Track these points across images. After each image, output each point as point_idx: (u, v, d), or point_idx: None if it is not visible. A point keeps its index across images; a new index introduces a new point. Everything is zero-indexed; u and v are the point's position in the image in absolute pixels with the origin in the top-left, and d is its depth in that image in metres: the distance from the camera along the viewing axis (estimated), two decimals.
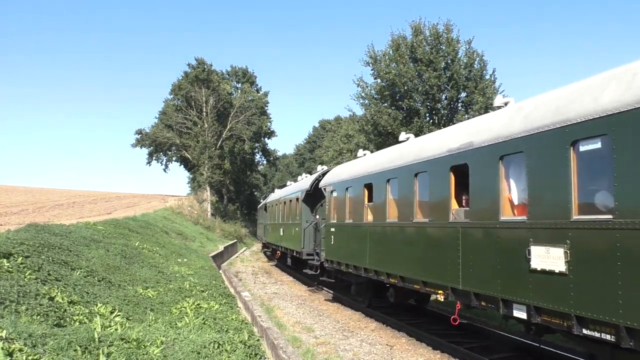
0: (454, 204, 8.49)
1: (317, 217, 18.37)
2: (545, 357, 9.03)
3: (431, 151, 9.25)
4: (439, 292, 8.81)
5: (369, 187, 12.22)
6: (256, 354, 7.14)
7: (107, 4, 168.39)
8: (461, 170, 8.27)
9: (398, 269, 10.32)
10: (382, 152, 13.10)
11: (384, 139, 27.30)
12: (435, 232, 8.94)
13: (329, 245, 14.93)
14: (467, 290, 7.89)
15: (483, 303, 7.67)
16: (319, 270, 16.99)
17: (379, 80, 28.95)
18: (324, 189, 15.91)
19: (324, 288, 17.97)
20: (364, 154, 14.53)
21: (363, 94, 29.80)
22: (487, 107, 25.29)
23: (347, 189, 13.64)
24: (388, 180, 11.00)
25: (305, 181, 21.22)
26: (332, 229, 14.68)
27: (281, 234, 24.17)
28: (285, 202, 23.87)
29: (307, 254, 18.46)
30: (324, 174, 17.70)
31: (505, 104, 8.15)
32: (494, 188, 7.29)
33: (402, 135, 12.20)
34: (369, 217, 12.15)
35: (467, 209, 8.04)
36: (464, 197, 8.43)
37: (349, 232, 13.44)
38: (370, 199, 12.15)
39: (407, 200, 10.00)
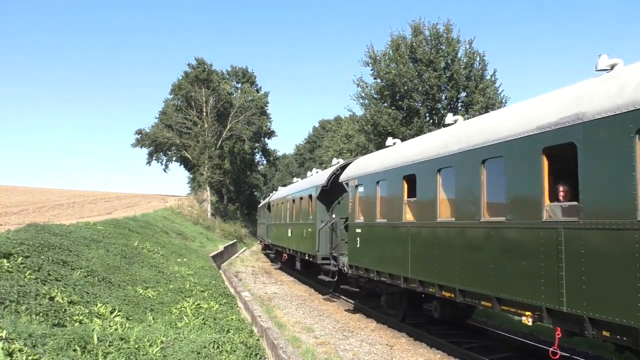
0: (547, 198, 6.60)
1: (334, 216, 16.32)
2: (545, 358, 9.02)
3: (510, 130, 7.27)
4: (526, 313, 6.86)
5: (409, 179, 10.19)
6: (256, 354, 7.15)
7: (107, 4, 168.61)
8: (558, 152, 6.48)
9: (455, 280, 8.34)
10: (426, 136, 11.18)
11: (384, 139, 27.28)
12: (519, 234, 6.97)
13: (354, 249, 12.97)
14: (576, 313, 5.93)
15: (606, 333, 5.68)
16: (336, 277, 15.35)
17: (378, 80, 28.97)
18: (346, 183, 13.91)
19: (342, 296, 16.20)
20: (394, 143, 12.79)
21: (363, 94, 29.83)
22: (488, 107, 25.33)
23: (377, 182, 11.68)
24: (439, 171, 9.05)
25: (319, 176, 18.97)
26: (358, 230, 12.73)
27: (289, 235, 22.23)
28: (294, 200, 21.64)
29: (322, 258, 16.52)
30: (343, 167, 15.81)
31: (612, 66, 6.40)
32: (626, 174, 5.36)
33: (449, 118, 10.39)
34: (410, 216, 10.28)
35: (574, 204, 6.25)
36: (561, 189, 6.77)
37: (381, 234, 11.51)
38: (411, 194, 10.16)
39: (470, 194, 8.05)
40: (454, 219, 8.53)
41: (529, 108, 7.26)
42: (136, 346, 6.14)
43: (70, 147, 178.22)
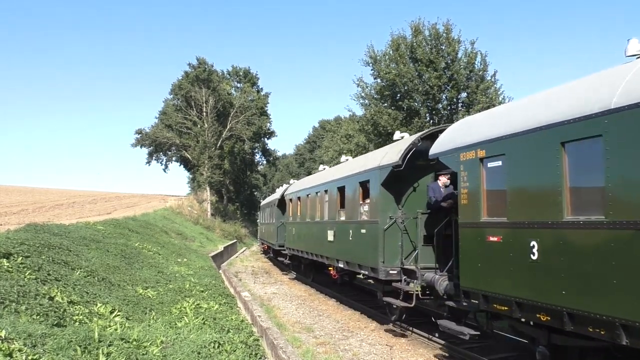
0: None
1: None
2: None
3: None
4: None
5: None
6: (256, 354, 7.15)
7: (108, 4, 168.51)
8: None
9: None
10: None
11: (384, 139, 27.30)
12: None
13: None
14: None
15: None
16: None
17: (378, 80, 28.97)
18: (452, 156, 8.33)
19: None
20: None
21: (363, 94, 29.85)
22: (489, 107, 25.32)
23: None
24: None
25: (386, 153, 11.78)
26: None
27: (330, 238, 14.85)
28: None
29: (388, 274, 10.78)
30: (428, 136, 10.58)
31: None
32: None
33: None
34: None
35: None
36: None
37: None
38: None
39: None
40: None
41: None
42: (136, 346, 6.14)
43: (70, 147, 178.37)
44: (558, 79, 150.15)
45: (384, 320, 12.25)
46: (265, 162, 69.55)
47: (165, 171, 61.45)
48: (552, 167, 6.07)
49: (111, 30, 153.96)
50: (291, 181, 29.04)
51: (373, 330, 11.59)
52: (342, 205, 14.03)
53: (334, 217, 14.63)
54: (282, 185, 34.04)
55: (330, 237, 14.63)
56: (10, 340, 4.97)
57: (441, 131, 9.84)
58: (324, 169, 20.24)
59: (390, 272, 10.68)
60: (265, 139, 64.00)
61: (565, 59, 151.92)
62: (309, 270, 20.03)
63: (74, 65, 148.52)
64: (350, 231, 12.81)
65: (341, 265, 13.86)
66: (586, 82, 6.22)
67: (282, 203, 25.14)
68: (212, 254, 26.72)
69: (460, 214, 7.85)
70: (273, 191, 57.38)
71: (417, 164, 10.83)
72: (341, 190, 14.16)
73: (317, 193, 17.22)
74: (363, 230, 11.93)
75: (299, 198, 20.42)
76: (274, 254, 29.00)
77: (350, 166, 14.42)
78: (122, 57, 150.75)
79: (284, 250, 23.31)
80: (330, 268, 15.42)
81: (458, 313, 8.90)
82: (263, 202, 39.98)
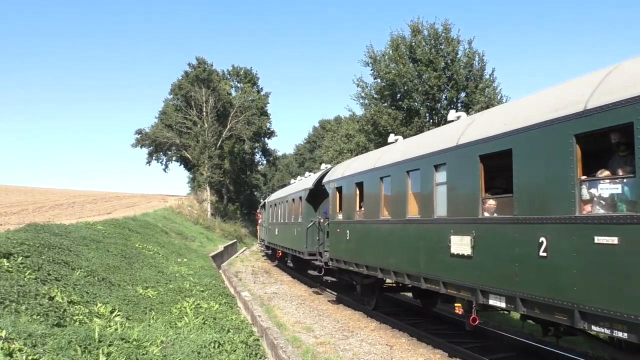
0: None
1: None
2: (545, 357, 9.02)
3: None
4: None
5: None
6: (256, 354, 7.15)
7: (108, 4, 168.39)
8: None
9: None
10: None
11: (384, 138, 27.32)
12: None
13: None
14: None
15: None
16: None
17: (378, 80, 29.01)
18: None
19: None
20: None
21: (363, 94, 29.89)
22: (488, 107, 25.32)
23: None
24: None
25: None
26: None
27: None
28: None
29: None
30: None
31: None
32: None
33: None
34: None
35: None
36: None
37: None
38: None
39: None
40: None
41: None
42: (136, 346, 6.14)
43: (70, 147, 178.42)
44: (558, 77, 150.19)
45: (383, 319, 12.17)
46: (265, 162, 69.60)
47: (165, 171, 61.58)
48: None
49: (111, 30, 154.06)
50: (323, 166, 20.69)
51: (373, 330, 11.59)
52: (490, 190, 8.12)
53: (470, 213, 8.03)
54: (289, 183, 29.45)
55: (462, 249, 8.22)
56: (10, 340, 4.97)
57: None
58: (396, 140, 13.34)
59: None
60: (265, 139, 64.12)
61: (564, 58, 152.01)
62: (370, 292, 13.71)
63: (74, 65, 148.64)
64: (543, 240, 6.40)
65: (499, 304, 7.45)
66: None
67: (315, 195, 18.88)
68: (212, 253, 26.71)
69: None
70: (273, 191, 57.36)
71: None
72: (488, 160, 7.84)
73: (408, 172, 10.37)
74: (609, 240, 5.39)
75: (358, 184, 13.33)
76: (294, 264, 22.37)
77: (517, 108, 7.57)
78: (122, 57, 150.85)
79: (318, 260, 17.04)
80: (457, 305, 8.70)
81: None
82: (272, 197, 31.42)
